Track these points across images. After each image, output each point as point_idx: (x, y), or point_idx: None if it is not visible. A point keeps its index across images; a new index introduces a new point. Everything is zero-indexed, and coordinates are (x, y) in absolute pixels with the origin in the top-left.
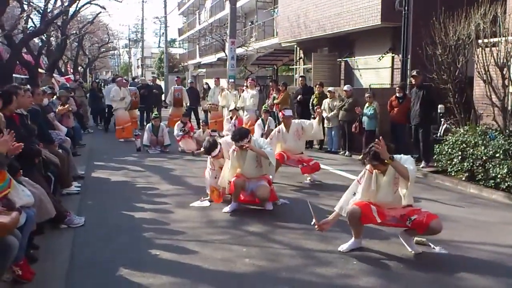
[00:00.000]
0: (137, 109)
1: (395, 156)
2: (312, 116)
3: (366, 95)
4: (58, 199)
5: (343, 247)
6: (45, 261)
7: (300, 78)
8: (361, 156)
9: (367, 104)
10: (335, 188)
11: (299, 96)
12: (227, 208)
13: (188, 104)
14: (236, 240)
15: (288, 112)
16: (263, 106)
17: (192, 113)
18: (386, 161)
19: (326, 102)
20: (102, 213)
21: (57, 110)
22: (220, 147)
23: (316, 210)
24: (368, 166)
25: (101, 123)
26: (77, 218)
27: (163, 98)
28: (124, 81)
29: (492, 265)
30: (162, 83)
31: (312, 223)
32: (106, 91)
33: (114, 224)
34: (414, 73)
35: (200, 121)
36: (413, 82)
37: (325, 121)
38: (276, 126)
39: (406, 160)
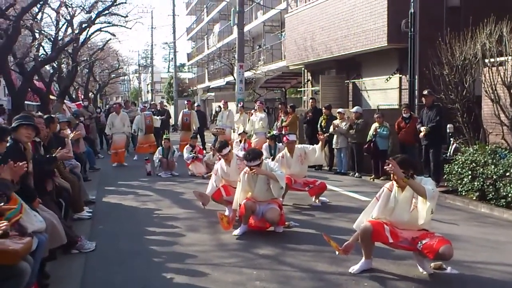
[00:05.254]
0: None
1: (416, 177)
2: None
3: (375, 115)
4: (69, 224)
5: (354, 268)
6: (57, 286)
7: (311, 100)
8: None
9: (377, 124)
10: (345, 210)
11: (308, 115)
12: (237, 231)
13: (196, 127)
14: (247, 263)
15: (292, 137)
16: (269, 133)
17: (198, 135)
18: (402, 180)
19: (335, 123)
20: (113, 238)
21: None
22: (230, 148)
23: (329, 233)
24: (387, 184)
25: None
26: (88, 243)
27: (171, 122)
28: (143, 107)
29: (504, 285)
30: (171, 108)
31: (337, 253)
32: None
33: (125, 248)
34: (425, 92)
35: (206, 144)
36: (424, 102)
37: (334, 142)
38: None
39: (426, 182)
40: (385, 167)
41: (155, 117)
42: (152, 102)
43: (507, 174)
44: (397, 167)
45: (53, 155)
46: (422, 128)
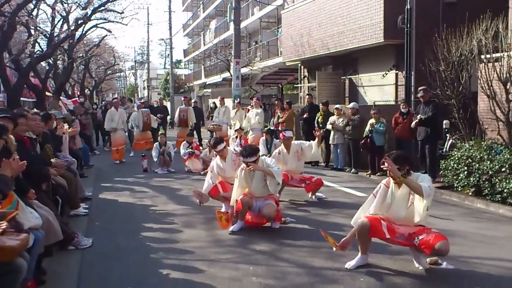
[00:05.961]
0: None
1: (413, 173)
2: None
3: (372, 111)
4: (65, 221)
5: (350, 264)
6: (53, 282)
7: (307, 96)
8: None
9: (373, 120)
10: (341, 205)
11: (305, 114)
12: (233, 227)
13: (193, 123)
14: (243, 259)
15: (289, 133)
16: (265, 128)
17: (195, 132)
18: (399, 179)
19: (332, 119)
20: (109, 234)
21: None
22: (224, 144)
23: (325, 229)
24: (384, 180)
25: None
26: (84, 239)
27: (168, 118)
28: (139, 103)
29: (500, 280)
30: (168, 104)
31: (334, 249)
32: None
33: (121, 244)
34: (421, 92)
35: (202, 140)
36: (421, 99)
37: (330, 138)
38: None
39: (423, 179)
40: (381, 166)
41: (153, 116)
42: (143, 100)
43: (503, 169)
44: (393, 166)
45: (51, 159)
46: (418, 116)
